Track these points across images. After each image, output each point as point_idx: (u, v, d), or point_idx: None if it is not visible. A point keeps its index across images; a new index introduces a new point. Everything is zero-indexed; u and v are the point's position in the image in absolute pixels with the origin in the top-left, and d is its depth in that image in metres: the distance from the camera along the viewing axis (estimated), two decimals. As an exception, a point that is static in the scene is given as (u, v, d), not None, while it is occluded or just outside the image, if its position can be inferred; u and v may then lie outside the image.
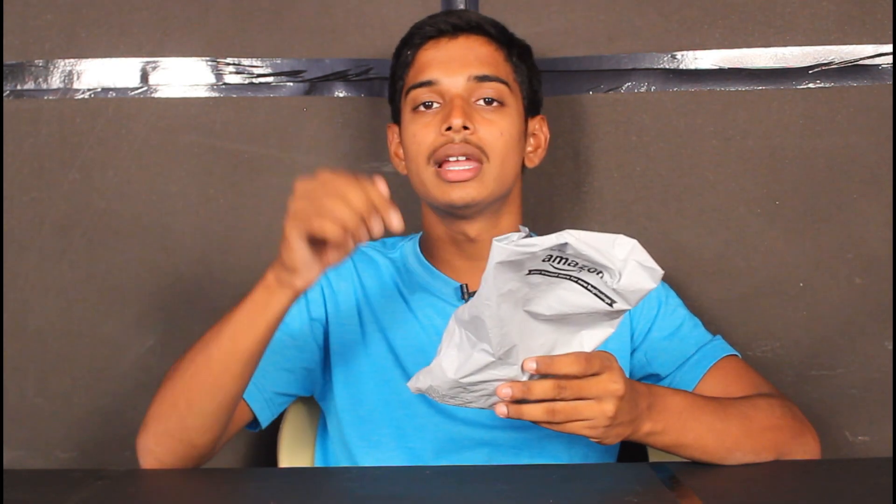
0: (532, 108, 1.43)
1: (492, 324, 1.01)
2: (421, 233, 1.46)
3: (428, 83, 1.36)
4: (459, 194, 1.32)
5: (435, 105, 1.36)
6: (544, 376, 1.07)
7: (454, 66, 1.36)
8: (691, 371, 1.36)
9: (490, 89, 1.35)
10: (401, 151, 1.42)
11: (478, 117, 1.34)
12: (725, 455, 1.20)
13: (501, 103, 1.36)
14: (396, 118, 1.44)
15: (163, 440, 1.21)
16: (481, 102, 1.35)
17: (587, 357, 1.07)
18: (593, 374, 1.08)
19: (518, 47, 1.43)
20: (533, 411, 1.07)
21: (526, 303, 1.03)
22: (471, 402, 1.09)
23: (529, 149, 1.43)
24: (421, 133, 1.35)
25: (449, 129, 1.32)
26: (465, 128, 1.32)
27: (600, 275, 1.02)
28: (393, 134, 1.45)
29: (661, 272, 1.02)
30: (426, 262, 1.42)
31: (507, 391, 1.05)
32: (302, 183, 1.12)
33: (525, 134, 1.41)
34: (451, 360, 1.06)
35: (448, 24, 1.39)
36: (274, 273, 1.17)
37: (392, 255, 1.44)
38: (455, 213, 1.35)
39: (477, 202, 1.33)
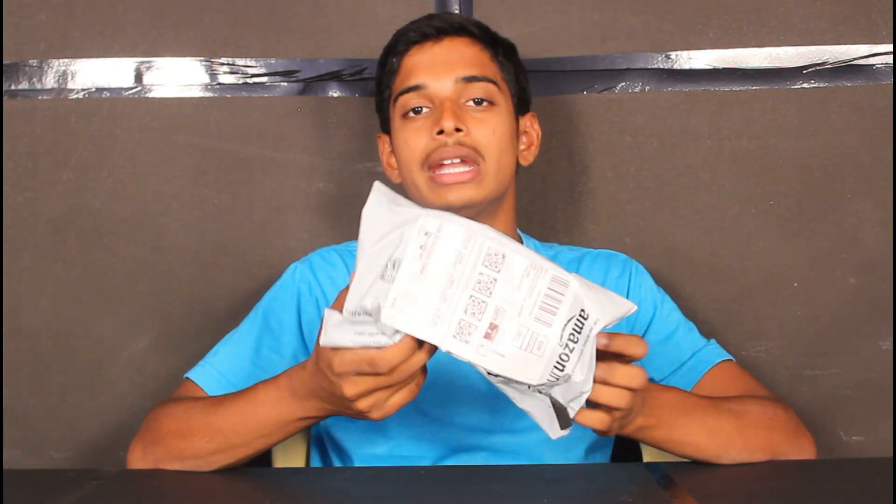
0: (521, 106, 1.43)
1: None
2: None
3: (416, 88, 1.35)
4: (458, 196, 1.31)
5: (425, 110, 1.35)
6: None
7: (441, 69, 1.35)
8: (686, 376, 1.36)
9: (479, 89, 1.35)
10: (393, 160, 1.42)
11: (469, 118, 1.33)
12: (718, 453, 1.19)
13: (491, 102, 1.35)
14: (386, 128, 1.43)
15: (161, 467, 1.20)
16: (471, 103, 1.35)
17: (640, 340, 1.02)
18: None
19: (503, 46, 1.42)
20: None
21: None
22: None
23: (522, 147, 1.43)
24: (412, 139, 1.34)
25: (441, 132, 1.31)
26: (458, 129, 1.31)
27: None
28: (384, 144, 1.45)
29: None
30: None
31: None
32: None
33: (517, 132, 1.41)
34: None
35: (431, 28, 1.38)
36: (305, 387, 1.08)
37: None
38: None
39: (475, 203, 1.33)
